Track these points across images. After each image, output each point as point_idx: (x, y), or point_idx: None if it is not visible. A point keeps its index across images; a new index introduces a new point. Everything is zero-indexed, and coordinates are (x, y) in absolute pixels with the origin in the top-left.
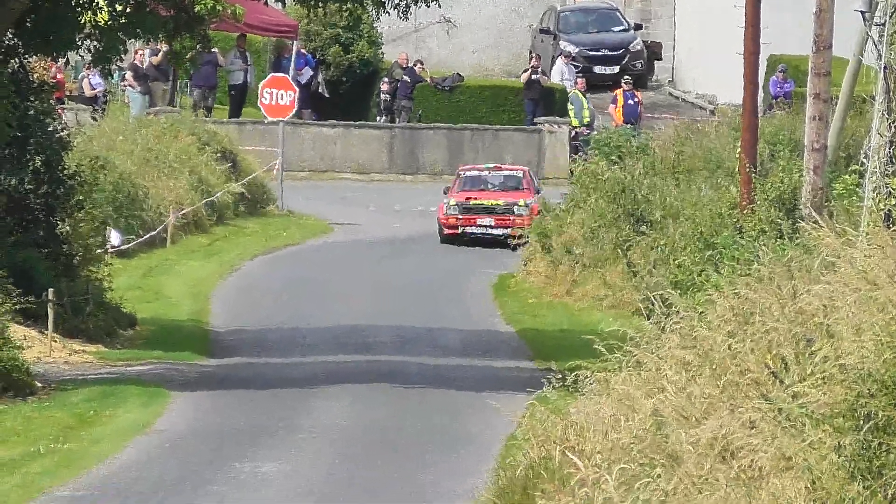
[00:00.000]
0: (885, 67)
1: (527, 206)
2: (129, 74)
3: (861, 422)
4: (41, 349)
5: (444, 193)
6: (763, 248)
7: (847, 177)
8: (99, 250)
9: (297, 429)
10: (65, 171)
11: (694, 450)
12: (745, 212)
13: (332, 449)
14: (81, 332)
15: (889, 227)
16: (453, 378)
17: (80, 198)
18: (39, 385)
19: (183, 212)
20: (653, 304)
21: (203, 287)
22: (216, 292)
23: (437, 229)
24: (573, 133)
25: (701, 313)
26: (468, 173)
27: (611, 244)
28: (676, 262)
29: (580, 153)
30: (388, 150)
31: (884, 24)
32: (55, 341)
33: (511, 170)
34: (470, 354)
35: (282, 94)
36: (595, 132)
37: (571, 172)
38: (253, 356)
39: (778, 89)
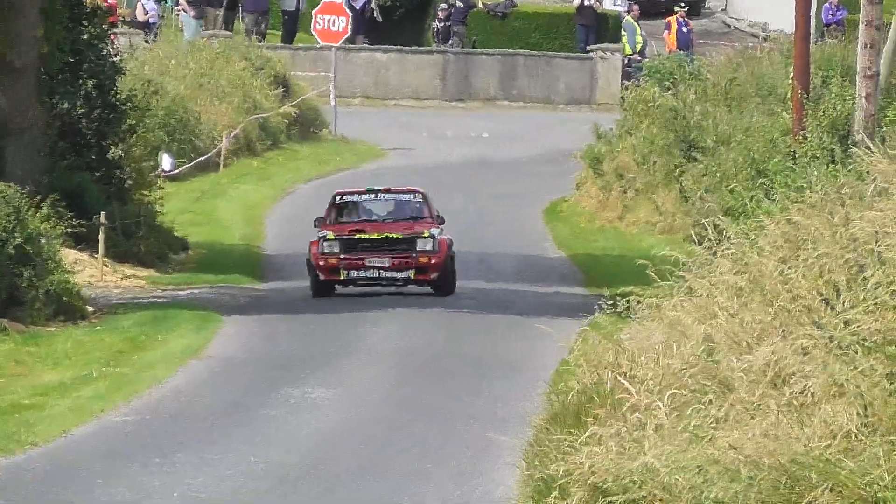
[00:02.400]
0: None
1: (433, 238)
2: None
3: None
4: (92, 273)
5: (315, 226)
6: (815, 174)
7: None
8: (151, 174)
9: (349, 353)
10: (117, 96)
11: (745, 376)
12: (797, 138)
13: (384, 374)
14: (133, 257)
15: None
16: (505, 303)
17: (133, 122)
18: (91, 309)
19: (235, 135)
20: (704, 230)
21: (255, 211)
22: (269, 216)
23: (309, 274)
24: (626, 60)
25: (752, 239)
26: (346, 198)
27: (663, 170)
28: (728, 188)
29: (632, 80)
30: (441, 76)
31: None
32: (106, 265)
33: (405, 192)
34: (522, 280)
35: (334, 20)
36: (648, 59)
37: (623, 99)
38: (305, 280)
39: (830, 16)
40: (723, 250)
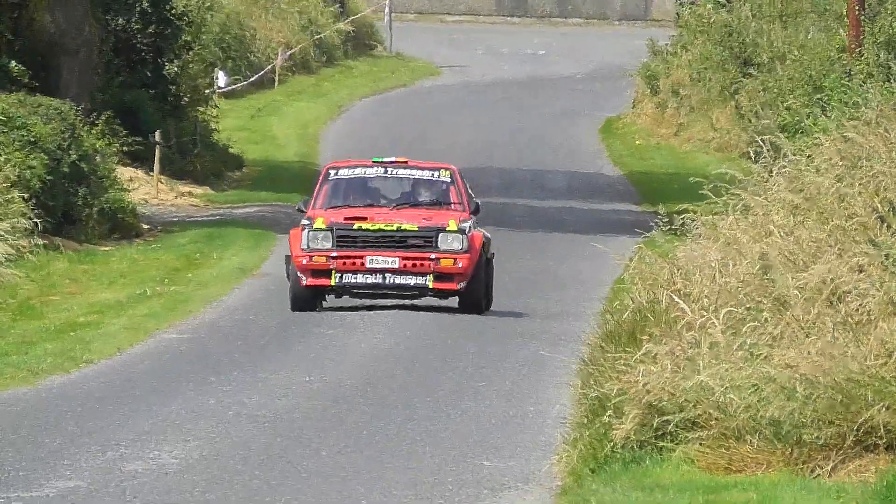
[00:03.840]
0: None
1: (462, 233)
2: None
3: None
4: (147, 191)
5: (300, 210)
6: (871, 91)
7: None
8: (206, 91)
9: None
10: (172, 12)
11: (801, 294)
12: (853, 55)
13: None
14: (188, 174)
15: None
16: (560, 220)
17: (188, 38)
18: (146, 227)
19: (290, 52)
20: (760, 147)
21: (311, 128)
22: (324, 133)
23: (287, 276)
24: None
25: (808, 157)
26: (342, 173)
27: (718, 87)
28: (784, 104)
29: None
30: None
31: None
32: (161, 183)
33: (428, 169)
34: (576, 197)
35: None
36: None
37: (678, 15)
38: None
39: None
40: (779, 168)
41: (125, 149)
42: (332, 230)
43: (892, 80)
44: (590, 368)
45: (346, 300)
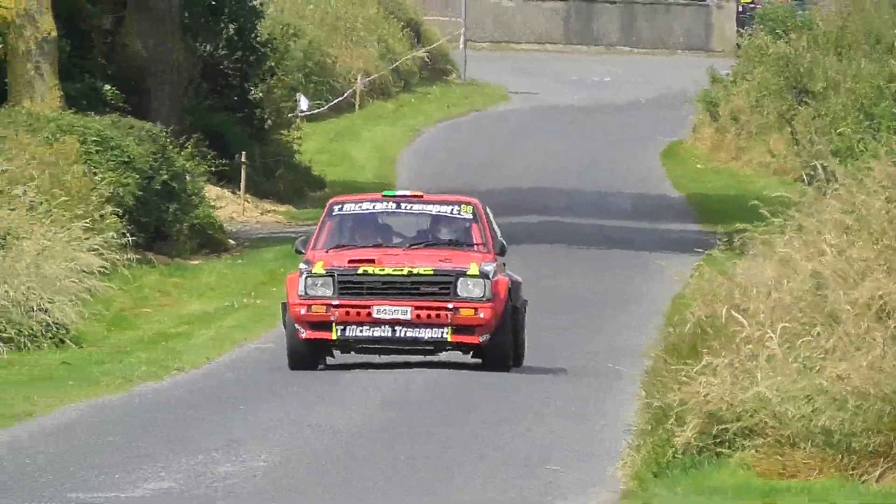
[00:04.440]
0: None
1: (485, 277)
2: None
3: None
4: (234, 209)
5: (298, 251)
6: None
7: None
8: (289, 115)
9: None
10: (257, 39)
11: (852, 309)
12: None
13: None
14: (272, 193)
15: None
16: (623, 239)
17: (272, 64)
18: (233, 242)
19: (369, 79)
20: (814, 171)
21: (388, 151)
22: (400, 156)
23: (285, 329)
24: (740, 8)
25: (860, 180)
26: (349, 208)
27: (775, 114)
28: (837, 131)
29: (747, 27)
30: (565, 22)
31: None
32: (247, 201)
33: (447, 204)
34: (639, 218)
35: None
36: (761, 7)
37: (738, 46)
38: None
39: None
40: (831, 191)
41: (213, 169)
42: (333, 275)
43: None
44: (653, 380)
45: (353, 356)
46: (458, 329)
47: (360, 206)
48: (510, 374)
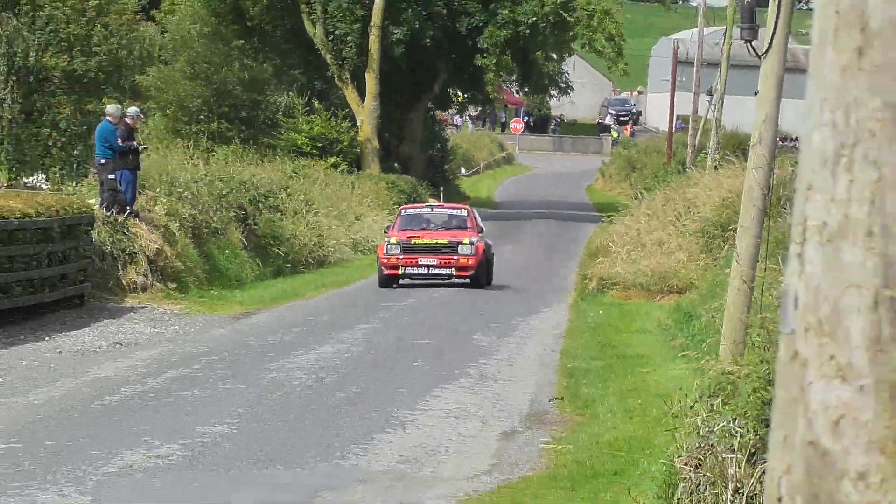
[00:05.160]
0: None
1: (472, 244)
2: None
3: None
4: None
5: (385, 232)
6: None
7: None
8: (457, 174)
9: None
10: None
11: (650, 243)
12: None
13: None
14: (450, 202)
15: None
16: (567, 216)
17: (451, 158)
18: None
19: (485, 162)
20: (640, 194)
21: (492, 187)
22: (497, 189)
23: (378, 270)
24: (615, 137)
25: (654, 197)
26: (409, 211)
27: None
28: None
29: (616, 144)
30: (552, 143)
31: None
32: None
33: (455, 208)
34: (574, 210)
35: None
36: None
37: (611, 153)
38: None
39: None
40: (643, 201)
41: (433, 194)
42: (399, 243)
43: None
44: (580, 268)
45: (407, 283)
46: (459, 269)
47: (415, 210)
48: (485, 290)
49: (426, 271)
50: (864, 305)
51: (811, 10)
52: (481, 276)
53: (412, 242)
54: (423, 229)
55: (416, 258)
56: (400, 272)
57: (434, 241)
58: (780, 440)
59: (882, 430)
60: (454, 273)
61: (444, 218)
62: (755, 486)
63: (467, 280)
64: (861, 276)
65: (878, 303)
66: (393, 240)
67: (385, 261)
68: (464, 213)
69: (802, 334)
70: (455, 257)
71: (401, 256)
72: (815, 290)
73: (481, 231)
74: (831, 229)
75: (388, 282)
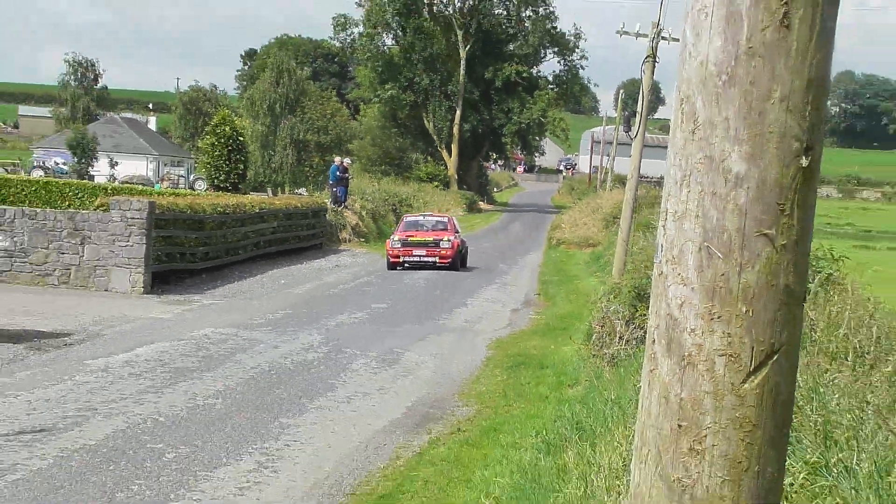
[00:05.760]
0: None
1: (449, 241)
2: None
3: None
4: (483, 205)
5: (393, 233)
6: None
7: None
8: (495, 189)
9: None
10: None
11: (586, 223)
12: None
13: None
14: (490, 204)
15: None
16: (541, 212)
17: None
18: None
19: (511, 184)
20: (580, 198)
21: (510, 196)
22: (509, 198)
23: (386, 258)
24: (565, 169)
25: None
26: (409, 218)
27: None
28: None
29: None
30: (537, 177)
31: None
32: (487, 204)
33: (440, 217)
34: (541, 209)
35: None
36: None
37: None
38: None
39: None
40: (582, 202)
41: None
42: (400, 240)
43: None
44: (547, 233)
45: (407, 269)
46: (441, 258)
47: (414, 217)
48: (459, 272)
49: (418, 259)
50: (694, 249)
51: (658, 119)
52: (456, 262)
53: (409, 239)
54: (417, 230)
55: (411, 250)
56: (400, 260)
57: (423, 239)
58: (653, 312)
59: (702, 308)
60: (437, 261)
61: (433, 223)
62: (630, 336)
63: (447, 265)
64: (692, 235)
65: (700, 248)
66: (396, 237)
67: (390, 252)
68: (445, 219)
69: (664, 263)
70: (438, 250)
71: (400, 249)
72: (670, 242)
73: (457, 232)
74: (679, 213)
75: (392, 266)
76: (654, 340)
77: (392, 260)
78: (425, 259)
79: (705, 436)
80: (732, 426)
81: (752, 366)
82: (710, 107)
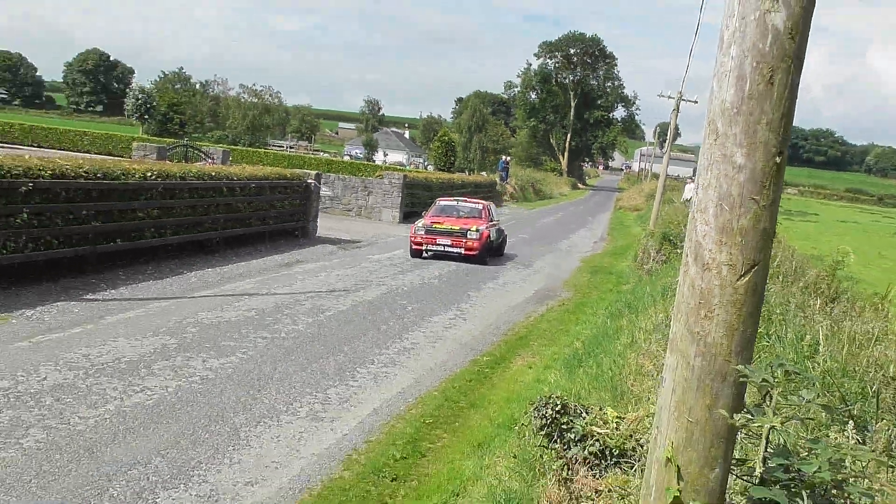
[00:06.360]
0: None
1: (477, 231)
2: None
3: None
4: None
5: (421, 216)
6: None
7: None
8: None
9: None
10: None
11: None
12: None
13: None
14: (538, 199)
15: None
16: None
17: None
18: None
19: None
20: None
21: (575, 196)
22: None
23: (410, 245)
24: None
25: None
26: (442, 202)
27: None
28: None
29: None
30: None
31: None
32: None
33: (474, 203)
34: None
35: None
36: None
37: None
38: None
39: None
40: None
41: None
42: (425, 227)
43: None
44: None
45: (429, 257)
46: (467, 249)
47: (447, 201)
48: (485, 266)
49: (442, 249)
50: (713, 205)
51: (677, 144)
52: (484, 256)
53: (434, 227)
54: (448, 217)
55: (435, 238)
56: (423, 248)
57: (449, 227)
58: (688, 239)
59: (716, 238)
60: (463, 252)
61: (468, 209)
62: (658, 259)
63: (474, 258)
64: (713, 197)
65: (717, 205)
66: (421, 223)
67: (413, 238)
68: (480, 206)
69: (696, 212)
70: (464, 241)
71: (424, 236)
72: (699, 200)
73: (492, 221)
74: (705, 185)
75: (415, 254)
76: (687, 255)
77: (414, 247)
78: (450, 250)
79: (713, 309)
80: (729, 304)
81: (742, 272)
82: (726, 126)
